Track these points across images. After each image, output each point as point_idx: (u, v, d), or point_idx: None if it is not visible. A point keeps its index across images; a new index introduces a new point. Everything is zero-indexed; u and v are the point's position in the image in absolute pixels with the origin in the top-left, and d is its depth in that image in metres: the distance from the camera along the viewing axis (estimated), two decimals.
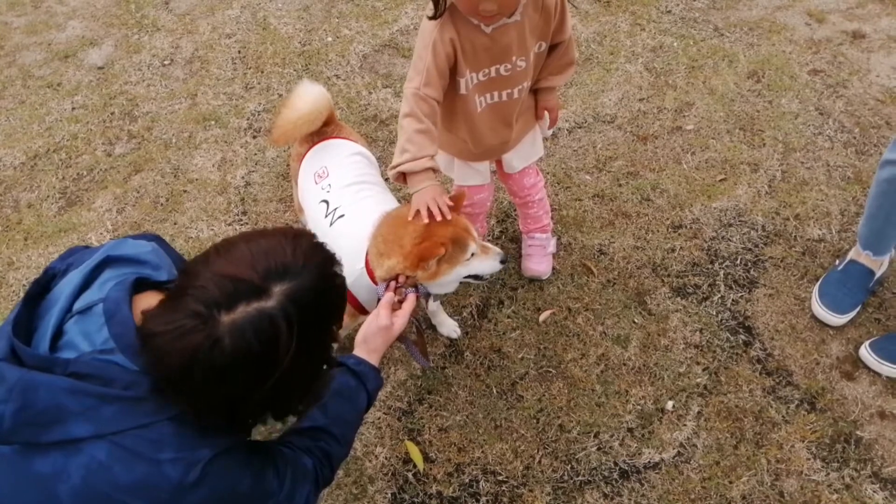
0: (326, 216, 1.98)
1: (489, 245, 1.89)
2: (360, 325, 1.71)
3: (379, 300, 1.73)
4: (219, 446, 1.14)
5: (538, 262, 2.47)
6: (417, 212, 1.77)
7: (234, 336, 1.04)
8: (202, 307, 1.05)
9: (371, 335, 1.62)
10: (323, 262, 1.18)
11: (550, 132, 2.33)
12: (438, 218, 1.75)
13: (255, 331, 1.05)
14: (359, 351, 1.60)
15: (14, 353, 1.07)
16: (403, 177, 1.84)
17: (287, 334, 1.07)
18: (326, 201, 2.01)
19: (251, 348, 1.05)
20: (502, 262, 1.88)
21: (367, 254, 1.86)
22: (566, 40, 1.97)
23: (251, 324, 1.05)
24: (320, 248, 1.21)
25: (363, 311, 1.95)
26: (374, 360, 1.60)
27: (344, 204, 1.98)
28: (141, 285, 1.20)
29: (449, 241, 1.75)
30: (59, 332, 1.12)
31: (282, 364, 1.08)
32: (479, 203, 2.32)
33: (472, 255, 1.82)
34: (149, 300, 1.15)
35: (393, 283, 1.74)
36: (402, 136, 1.85)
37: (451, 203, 1.79)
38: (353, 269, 1.89)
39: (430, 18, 1.77)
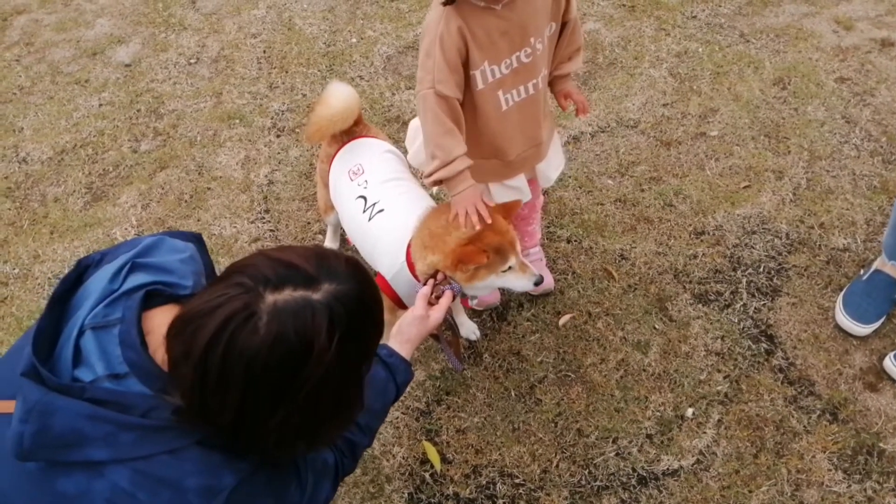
0: (365, 211, 2.00)
1: (527, 263, 1.89)
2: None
3: None
4: (243, 471, 1.10)
5: (544, 275, 2.43)
6: (458, 214, 1.77)
7: (272, 316, 0.98)
8: (249, 280, 1.01)
9: (406, 325, 1.62)
10: (368, 280, 1.14)
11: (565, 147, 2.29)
12: (477, 227, 1.75)
13: (294, 318, 0.99)
14: (392, 342, 1.60)
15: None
16: (439, 182, 1.83)
17: (326, 334, 1.01)
18: (364, 197, 2.02)
19: (286, 336, 0.99)
20: (535, 283, 1.88)
21: (408, 247, 1.87)
22: (573, 19, 1.92)
23: (293, 309, 0.99)
24: (364, 269, 1.16)
25: (402, 306, 1.97)
26: (406, 350, 1.59)
27: (383, 199, 1.99)
28: (157, 296, 1.16)
29: (492, 251, 1.76)
30: (78, 347, 1.10)
31: (315, 368, 1.01)
32: (527, 216, 2.31)
33: (510, 268, 1.82)
34: (163, 315, 1.11)
35: (431, 281, 1.76)
36: (426, 142, 1.82)
37: (491, 204, 1.79)
38: (394, 263, 1.92)
39: (444, 4, 1.70)
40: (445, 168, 1.79)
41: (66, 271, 1.22)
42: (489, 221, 1.77)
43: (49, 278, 2.63)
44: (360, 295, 1.08)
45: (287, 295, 1.01)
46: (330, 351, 1.01)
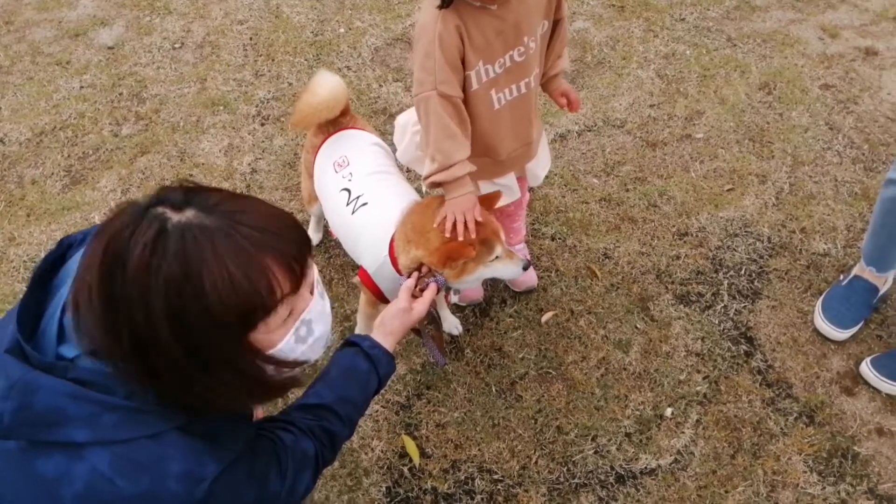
0: (348, 204, 1.98)
1: (513, 250, 1.88)
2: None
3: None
4: (226, 459, 1.09)
5: (527, 272, 2.43)
6: (445, 219, 1.76)
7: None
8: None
9: (389, 317, 1.61)
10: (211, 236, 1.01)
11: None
12: (461, 237, 1.73)
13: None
14: (375, 334, 1.58)
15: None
16: (437, 184, 1.82)
17: (143, 248, 0.96)
18: (348, 189, 2.00)
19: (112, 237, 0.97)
20: (524, 268, 1.88)
21: (391, 241, 1.86)
22: (564, 17, 1.92)
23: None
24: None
25: (384, 301, 1.95)
26: (389, 343, 1.57)
27: (367, 192, 1.97)
28: None
29: (478, 243, 1.75)
30: (62, 325, 1.09)
31: (129, 284, 0.96)
32: (512, 213, 2.30)
33: (497, 257, 1.82)
34: None
35: (416, 274, 1.74)
36: (427, 144, 1.79)
37: (479, 219, 1.78)
38: (377, 257, 1.90)
39: (440, 7, 1.68)
40: (444, 172, 1.77)
41: (47, 251, 1.20)
42: (473, 236, 1.75)
43: (24, 261, 2.58)
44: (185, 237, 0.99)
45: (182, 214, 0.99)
46: (143, 270, 0.96)
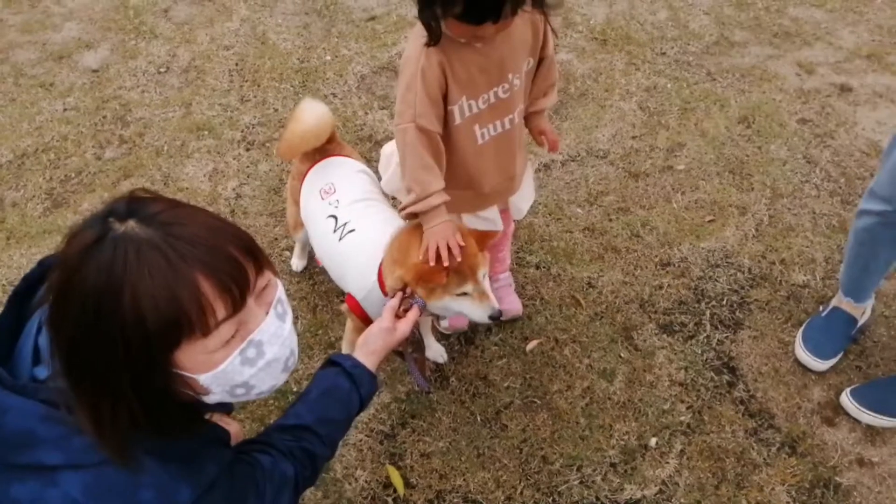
0: (335, 231, 1.98)
1: (489, 294, 1.82)
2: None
3: None
4: (201, 485, 1.07)
5: (512, 301, 2.44)
6: (427, 249, 1.75)
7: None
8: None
9: (372, 336, 1.60)
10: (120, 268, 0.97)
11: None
12: (446, 263, 1.73)
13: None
14: (358, 353, 1.57)
15: None
16: (414, 215, 1.83)
17: (74, 251, 0.97)
18: (335, 216, 2.00)
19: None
20: (491, 317, 1.81)
21: (379, 267, 1.86)
22: (550, 55, 1.93)
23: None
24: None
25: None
26: (371, 361, 1.55)
27: (354, 219, 1.97)
28: None
29: (451, 272, 1.75)
30: (38, 345, 1.08)
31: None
32: (498, 244, 2.31)
33: (465, 293, 1.78)
34: None
35: (399, 294, 1.74)
36: (403, 174, 1.81)
37: (462, 244, 1.76)
38: (365, 283, 1.90)
39: (427, 45, 1.70)
40: (421, 202, 1.79)
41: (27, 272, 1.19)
42: (459, 260, 1.75)
43: (3, 285, 2.54)
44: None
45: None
46: (75, 279, 0.96)
